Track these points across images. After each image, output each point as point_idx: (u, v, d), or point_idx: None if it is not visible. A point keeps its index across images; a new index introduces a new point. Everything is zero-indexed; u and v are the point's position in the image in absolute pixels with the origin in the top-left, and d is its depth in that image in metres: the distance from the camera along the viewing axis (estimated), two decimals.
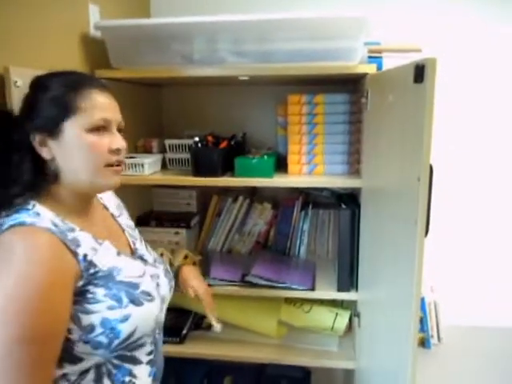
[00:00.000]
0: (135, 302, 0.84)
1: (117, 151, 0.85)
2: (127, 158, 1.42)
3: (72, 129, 0.81)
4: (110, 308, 0.80)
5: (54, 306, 0.72)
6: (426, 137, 0.77)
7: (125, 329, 0.81)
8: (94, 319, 0.78)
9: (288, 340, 1.55)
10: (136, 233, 1.06)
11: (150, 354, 0.91)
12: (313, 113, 1.40)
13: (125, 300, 0.82)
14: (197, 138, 1.40)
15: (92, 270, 0.80)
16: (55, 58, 1.20)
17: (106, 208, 1.02)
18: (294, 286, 1.40)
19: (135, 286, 0.86)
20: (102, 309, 0.79)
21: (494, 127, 1.71)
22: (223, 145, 1.45)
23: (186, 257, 1.55)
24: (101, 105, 0.83)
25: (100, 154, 0.83)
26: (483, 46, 1.65)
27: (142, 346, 0.89)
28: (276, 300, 1.57)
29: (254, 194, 1.74)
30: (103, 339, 0.78)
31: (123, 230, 1.01)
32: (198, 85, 1.77)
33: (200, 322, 1.60)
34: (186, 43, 1.31)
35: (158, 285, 0.93)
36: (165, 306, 0.98)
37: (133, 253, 0.97)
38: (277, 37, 1.27)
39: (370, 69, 1.24)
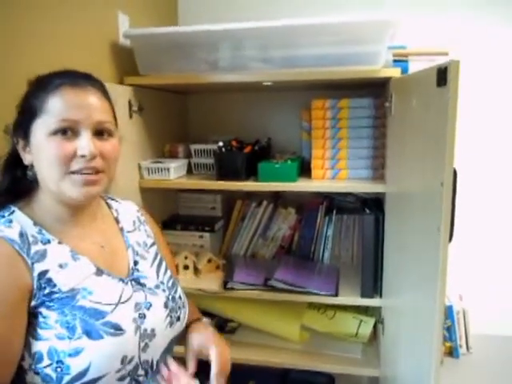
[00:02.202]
0: (91, 334, 0.71)
1: (82, 157, 0.74)
2: (153, 162, 1.45)
3: (36, 132, 0.74)
4: (59, 337, 0.70)
5: None
6: (449, 141, 0.76)
7: (74, 364, 0.69)
8: (42, 347, 0.70)
9: (312, 345, 1.54)
10: (150, 252, 0.94)
11: None
12: (337, 117, 1.40)
13: (78, 330, 0.71)
14: (221, 143, 1.42)
15: (47, 290, 0.71)
16: (85, 65, 1.24)
17: (116, 220, 0.93)
18: (316, 291, 1.40)
19: (99, 314, 0.74)
20: (50, 336, 0.70)
21: None
22: (247, 149, 1.46)
23: (209, 260, 1.57)
24: (66, 103, 0.73)
25: (62, 160, 0.73)
26: (510, 51, 1.61)
27: None
28: (299, 305, 1.57)
29: (277, 199, 1.75)
30: (51, 373, 0.69)
31: (128, 247, 0.90)
32: (222, 91, 1.79)
33: (224, 326, 1.61)
34: (213, 50, 1.34)
35: (141, 316, 0.80)
36: (156, 343, 0.81)
37: (128, 273, 0.86)
38: (301, 42, 1.28)
39: (394, 73, 1.23)
